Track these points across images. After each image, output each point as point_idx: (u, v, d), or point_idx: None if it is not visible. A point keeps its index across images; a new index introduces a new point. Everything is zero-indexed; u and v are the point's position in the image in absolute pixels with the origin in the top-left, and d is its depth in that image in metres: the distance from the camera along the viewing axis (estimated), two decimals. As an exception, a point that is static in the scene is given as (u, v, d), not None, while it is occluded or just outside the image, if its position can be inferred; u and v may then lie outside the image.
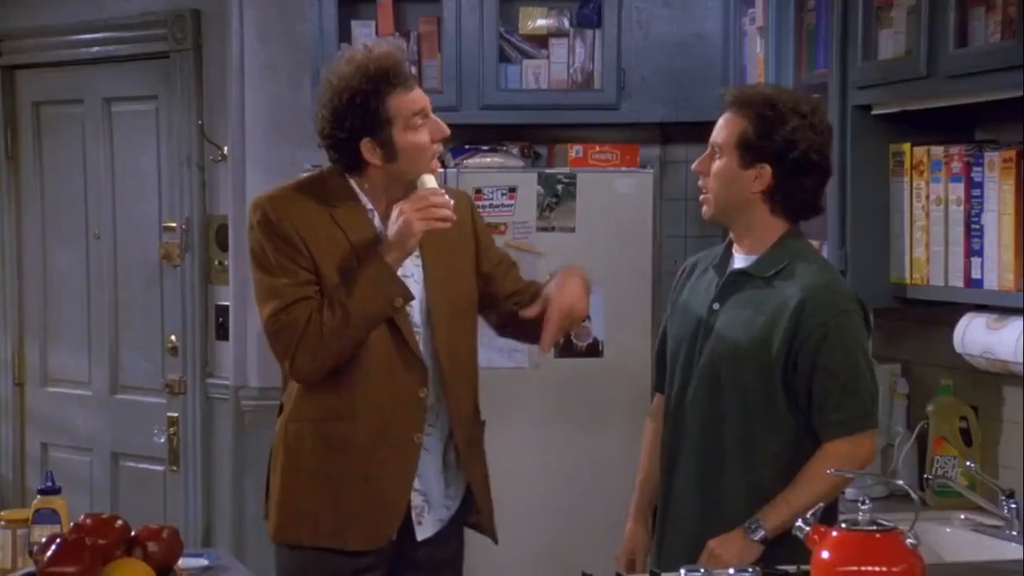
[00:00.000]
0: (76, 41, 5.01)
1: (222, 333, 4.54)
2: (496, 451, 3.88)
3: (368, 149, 2.78)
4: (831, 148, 2.82)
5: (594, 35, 4.14)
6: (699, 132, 2.94)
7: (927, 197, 3.27)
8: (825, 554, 2.30)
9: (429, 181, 2.79)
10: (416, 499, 2.89)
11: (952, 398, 3.42)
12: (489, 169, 4.03)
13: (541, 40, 4.18)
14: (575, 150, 4.09)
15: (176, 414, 4.72)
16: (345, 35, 4.13)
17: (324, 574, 2.85)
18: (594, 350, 3.96)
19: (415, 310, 2.85)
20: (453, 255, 2.92)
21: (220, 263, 4.56)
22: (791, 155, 2.72)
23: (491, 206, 3.95)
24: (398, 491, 2.85)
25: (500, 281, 3.01)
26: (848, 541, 2.32)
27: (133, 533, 2.30)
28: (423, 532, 2.91)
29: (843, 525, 2.32)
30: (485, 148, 4.12)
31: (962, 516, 3.25)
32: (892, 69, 3.29)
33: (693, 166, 2.88)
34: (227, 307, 4.49)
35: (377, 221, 2.83)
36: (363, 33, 4.14)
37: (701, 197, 2.85)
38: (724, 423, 2.78)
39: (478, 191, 3.94)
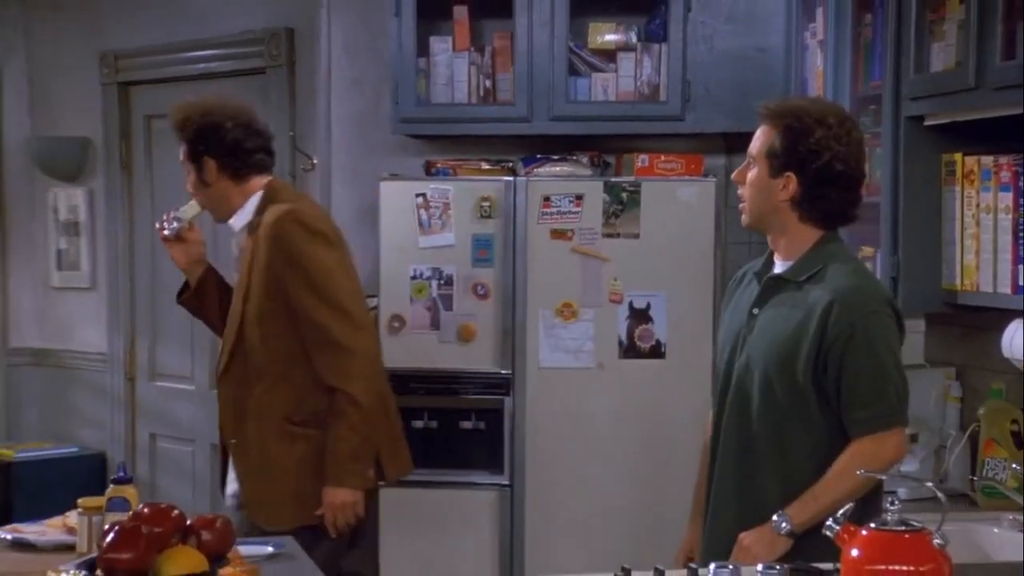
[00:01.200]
0: (183, 58, 5.14)
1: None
2: (562, 446, 3.93)
3: None
4: (859, 158, 2.80)
5: (660, 49, 4.14)
6: (763, 143, 2.96)
7: (977, 205, 3.22)
8: (854, 553, 2.29)
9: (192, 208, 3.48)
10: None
11: (1003, 402, 3.36)
12: (557, 178, 4.06)
13: (609, 54, 4.19)
14: (641, 159, 4.10)
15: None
16: (423, 50, 4.19)
17: None
18: (657, 351, 3.96)
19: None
20: (254, 272, 3.29)
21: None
22: (814, 164, 2.72)
23: (558, 213, 3.98)
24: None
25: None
26: (876, 540, 2.30)
27: (189, 522, 2.37)
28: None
29: (872, 525, 2.31)
30: (555, 157, 4.15)
31: (1011, 517, 3.18)
32: (942, 81, 3.23)
33: (732, 176, 2.90)
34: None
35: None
36: (440, 48, 4.20)
37: (740, 205, 2.87)
38: (757, 425, 2.79)
39: (546, 199, 3.98)
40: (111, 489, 2.70)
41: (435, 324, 3.98)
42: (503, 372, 3.97)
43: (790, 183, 2.75)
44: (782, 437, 2.76)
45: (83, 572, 2.26)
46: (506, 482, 3.98)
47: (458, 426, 4.00)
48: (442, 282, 3.97)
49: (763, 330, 2.79)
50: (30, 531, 2.81)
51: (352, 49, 4.45)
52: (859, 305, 2.68)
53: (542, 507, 3.99)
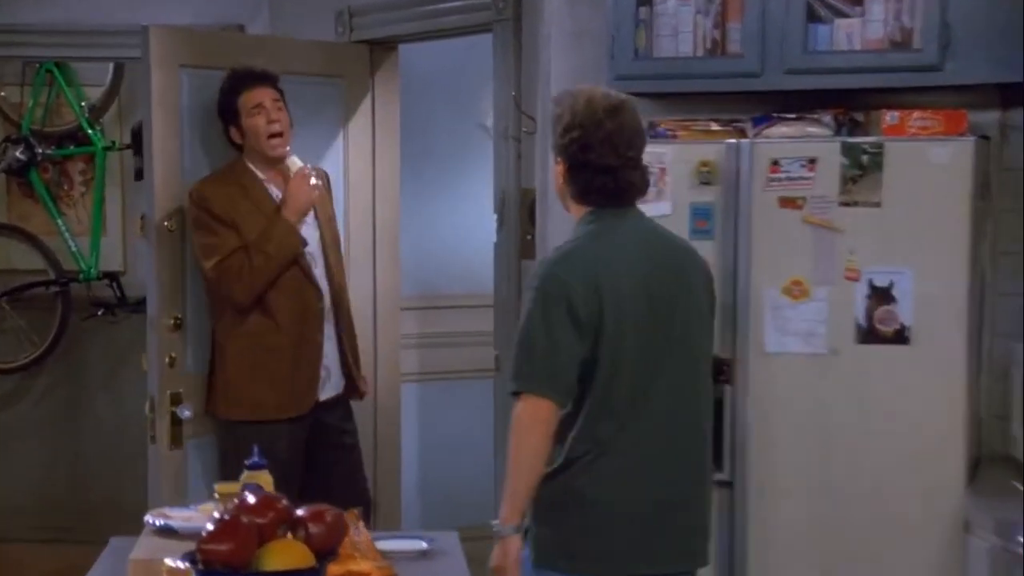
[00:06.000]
0: (415, 14, 5.25)
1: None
2: (789, 442, 3.81)
3: (233, 133, 4.52)
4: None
5: (915, -13, 3.88)
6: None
7: None
8: None
9: (296, 163, 4.48)
10: (322, 374, 4.57)
11: None
12: (788, 139, 3.89)
13: (857, -4, 3.95)
14: (890, 116, 3.87)
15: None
16: (647, -2, 4.10)
17: (271, 439, 4.17)
18: (901, 337, 3.74)
19: (313, 247, 4.54)
20: (327, 210, 4.71)
21: (530, 237, 4.63)
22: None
23: (788, 179, 3.82)
24: (313, 374, 4.53)
25: None
26: None
27: (300, 513, 2.39)
28: (323, 395, 4.58)
29: None
30: (790, 116, 3.97)
31: None
32: None
33: None
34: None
35: (273, 189, 4.52)
36: (664, -5, 4.09)
37: None
38: None
39: (774, 163, 3.83)
40: (245, 475, 2.76)
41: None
42: (723, 357, 3.85)
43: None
44: None
45: (186, 563, 2.32)
46: (726, 479, 3.88)
47: (675, 415, 3.91)
48: (657, 256, 3.89)
49: None
50: (178, 516, 2.92)
51: (575, -1, 4.40)
52: (526, 282, 3.23)
53: (766, 509, 3.87)
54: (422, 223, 5.98)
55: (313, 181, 4.49)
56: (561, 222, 4.22)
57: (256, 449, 2.81)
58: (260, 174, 4.52)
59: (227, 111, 4.53)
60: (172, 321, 4.64)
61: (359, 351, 4.81)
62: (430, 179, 6.10)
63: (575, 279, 3.09)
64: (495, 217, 4.86)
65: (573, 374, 3.06)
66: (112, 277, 7.24)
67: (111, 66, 7.14)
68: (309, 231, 4.54)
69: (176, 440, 4.56)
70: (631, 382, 3.10)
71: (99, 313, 7.20)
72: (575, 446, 3.10)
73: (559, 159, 3.24)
